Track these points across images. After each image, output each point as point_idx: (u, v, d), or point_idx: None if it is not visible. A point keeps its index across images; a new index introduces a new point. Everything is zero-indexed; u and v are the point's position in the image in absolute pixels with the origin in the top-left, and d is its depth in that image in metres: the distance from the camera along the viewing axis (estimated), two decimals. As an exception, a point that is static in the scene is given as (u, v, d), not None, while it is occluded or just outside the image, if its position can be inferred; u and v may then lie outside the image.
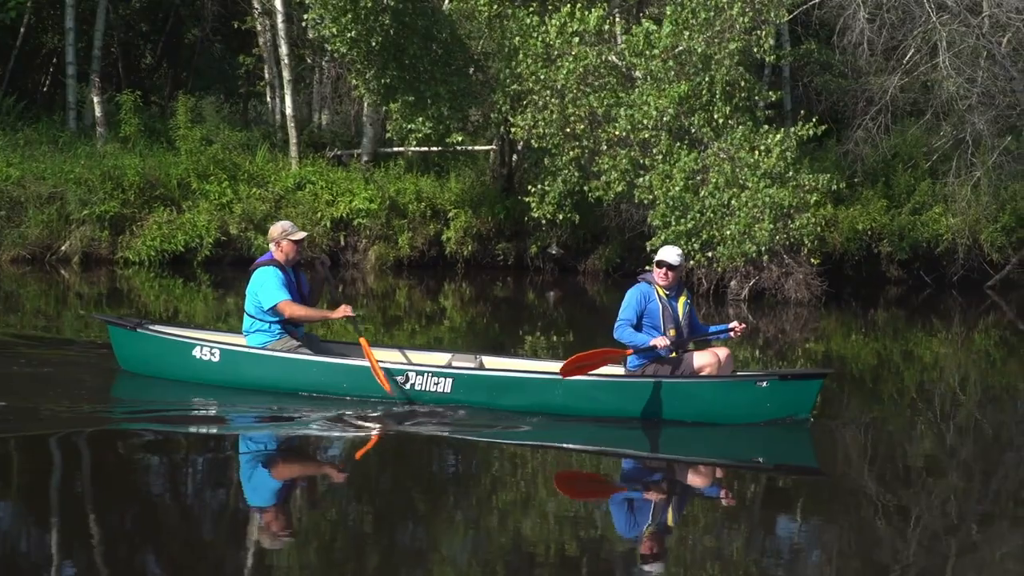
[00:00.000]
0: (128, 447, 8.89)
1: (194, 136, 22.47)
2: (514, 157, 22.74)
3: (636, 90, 20.46)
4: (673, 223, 19.64)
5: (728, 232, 19.44)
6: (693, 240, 19.68)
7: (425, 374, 9.90)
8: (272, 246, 10.31)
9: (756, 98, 20.77)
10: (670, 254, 9.97)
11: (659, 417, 9.78)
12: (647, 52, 20.46)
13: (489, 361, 10.63)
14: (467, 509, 7.75)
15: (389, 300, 20.10)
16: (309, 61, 23.88)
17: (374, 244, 22.42)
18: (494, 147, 23.21)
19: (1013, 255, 23.48)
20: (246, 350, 10.27)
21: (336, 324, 13.64)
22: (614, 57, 21.02)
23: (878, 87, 22.81)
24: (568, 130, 20.68)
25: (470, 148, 23.29)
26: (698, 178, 19.86)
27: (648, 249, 20.06)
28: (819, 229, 19.88)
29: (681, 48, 20.26)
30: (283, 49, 23.00)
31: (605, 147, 20.50)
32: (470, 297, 20.77)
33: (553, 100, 20.70)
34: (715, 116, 20.06)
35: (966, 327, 19.44)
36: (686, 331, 9.99)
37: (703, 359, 9.87)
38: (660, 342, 9.70)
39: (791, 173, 19.74)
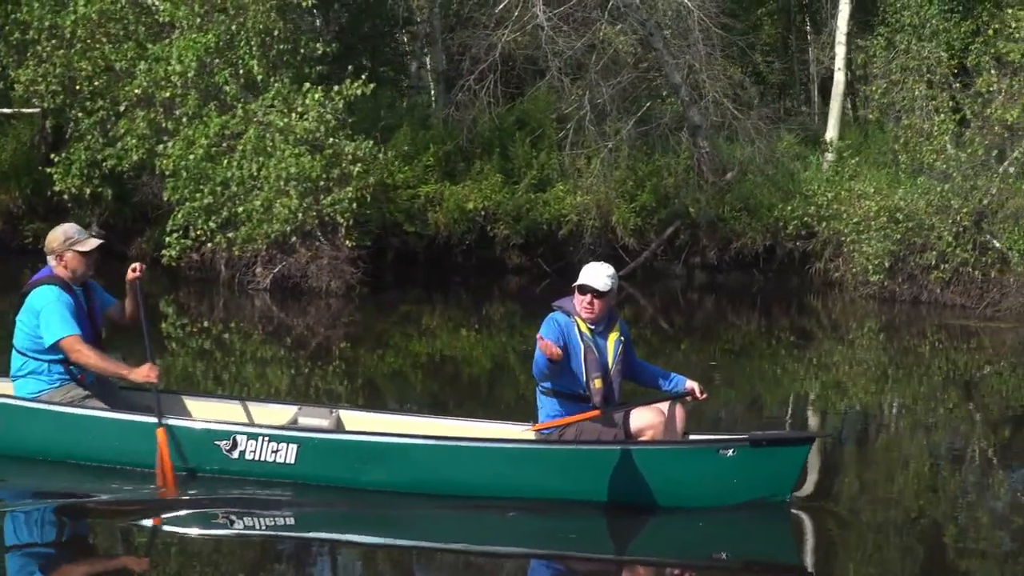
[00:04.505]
0: None
1: None
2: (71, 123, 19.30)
3: (161, 42, 17.35)
4: (189, 197, 16.66)
5: (243, 209, 16.45)
6: (213, 218, 16.69)
7: (259, 438, 7.14)
8: (51, 260, 7.32)
9: (302, 51, 17.64)
10: (595, 276, 7.15)
11: (585, 497, 7.06)
12: (175, -5, 17.33)
13: (350, 417, 7.87)
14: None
15: None
16: None
17: None
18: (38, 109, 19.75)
19: (655, 239, 20.35)
20: (12, 402, 7.38)
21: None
22: (144, -1, 17.81)
23: (484, 43, 19.57)
24: (79, 88, 17.54)
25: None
26: (224, 145, 16.82)
27: (169, 230, 16.93)
28: (355, 205, 16.73)
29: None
30: None
31: (123, 108, 17.37)
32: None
33: (59, 52, 17.47)
34: (243, 71, 16.98)
35: (597, 323, 16.32)
36: (617, 381, 7.17)
37: (643, 418, 7.09)
38: (547, 348, 6.75)
39: (332, 140, 16.74)
